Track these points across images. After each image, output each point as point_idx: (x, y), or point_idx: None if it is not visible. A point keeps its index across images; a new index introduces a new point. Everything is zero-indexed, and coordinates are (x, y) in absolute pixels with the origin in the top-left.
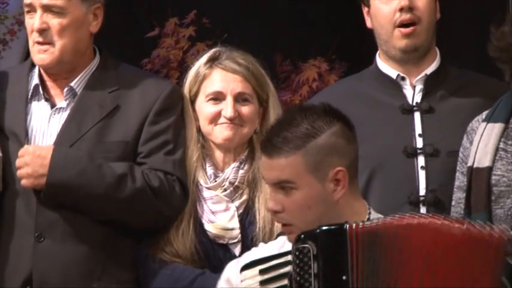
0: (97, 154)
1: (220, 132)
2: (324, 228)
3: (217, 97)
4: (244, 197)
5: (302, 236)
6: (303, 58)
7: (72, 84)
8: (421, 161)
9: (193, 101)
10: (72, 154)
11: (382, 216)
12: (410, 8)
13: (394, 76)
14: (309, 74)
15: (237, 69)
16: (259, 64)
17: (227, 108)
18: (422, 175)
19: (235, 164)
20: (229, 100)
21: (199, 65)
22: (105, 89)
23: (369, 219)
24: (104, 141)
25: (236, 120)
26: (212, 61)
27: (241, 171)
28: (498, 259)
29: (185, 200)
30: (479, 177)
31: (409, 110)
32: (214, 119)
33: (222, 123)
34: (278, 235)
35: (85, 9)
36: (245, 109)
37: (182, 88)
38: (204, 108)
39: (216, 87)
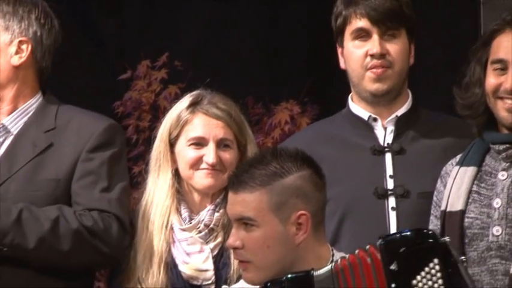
0: (26, 192)
1: (200, 179)
2: (290, 276)
3: (199, 142)
4: (219, 239)
5: (269, 284)
6: (275, 101)
7: (4, 121)
8: (391, 202)
9: (172, 144)
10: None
11: (344, 254)
12: (382, 54)
13: (365, 117)
14: (281, 116)
15: (219, 114)
16: (239, 109)
17: (209, 154)
18: (393, 216)
19: (210, 207)
20: (211, 146)
21: (181, 108)
22: (42, 128)
23: (332, 261)
24: (35, 179)
25: (217, 166)
26: (194, 105)
27: (216, 214)
28: None
29: (125, 237)
30: (453, 221)
31: (380, 151)
32: (196, 164)
33: (203, 168)
34: None
35: (8, 40)
36: (226, 155)
37: (160, 130)
38: (185, 152)
39: (199, 133)
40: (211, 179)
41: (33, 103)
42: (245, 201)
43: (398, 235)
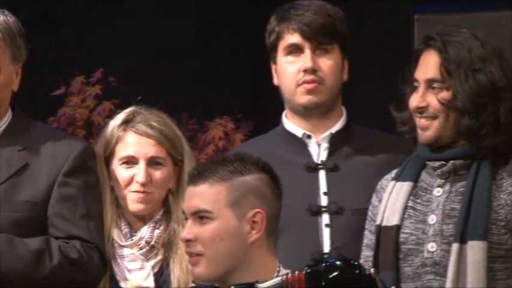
0: (3, 213)
1: (132, 203)
2: (233, 287)
3: (130, 161)
4: (159, 257)
5: None
6: (209, 117)
7: None
8: (325, 219)
9: (107, 161)
10: None
11: (289, 271)
12: (313, 70)
13: (299, 134)
14: (215, 132)
15: (149, 132)
16: (175, 124)
17: (139, 173)
18: (326, 233)
19: (150, 224)
20: (141, 165)
21: (113, 126)
22: (15, 147)
23: (277, 276)
24: (11, 200)
25: (148, 187)
26: (126, 123)
27: (157, 231)
28: None
29: (103, 268)
30: (388, 236)
31: (314, 168)
32: (128, 184)
33: (134, 191)
34: None
35: (12, 68)
36: (158, 173)
37: (96, 147)
38: (118, 171)
39: (129, 152)
40: (141, 204)
41: (6, 120)
42: (204, 194)
43: (324, 264)
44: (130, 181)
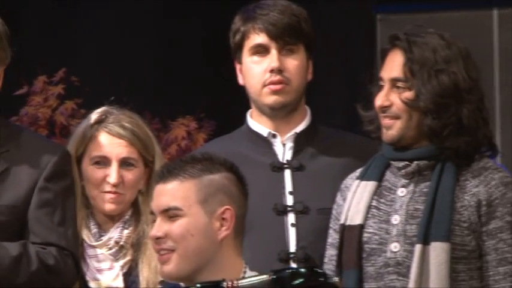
0: None
1: (103, 203)
2: (199, 285)
3: (102, 161)
4: (128, 257)
5: None
6: (171, 116)
7: None
8: (291, 218)
9: (78, 161)
10: None
11: (257, 273)
12: (280, 70)
13: (264, 134)
14: (178, 132)
15: (122, 133)
16: (146, 125)
17: (112, 174)
18: (292, 232)
19: (119, 224)
20: (114, 165)
21: (86, 125)
22: None
23: (244, 277)
24: None
25: (119, 187)
26: (99, 123)
27: (126, 231)
28: None
29: (76, 275)
30: (351, 235)
31: (279, 167)
32: (99, 185)
33: (106, 192)
34: None
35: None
36: (129, 174)
37: (68, 146)
38: (90, 172)
39: (101, 152)
40: (112, 204)
41: None
42: (174, 191)
43: (289, 271)
44: (102, 181)
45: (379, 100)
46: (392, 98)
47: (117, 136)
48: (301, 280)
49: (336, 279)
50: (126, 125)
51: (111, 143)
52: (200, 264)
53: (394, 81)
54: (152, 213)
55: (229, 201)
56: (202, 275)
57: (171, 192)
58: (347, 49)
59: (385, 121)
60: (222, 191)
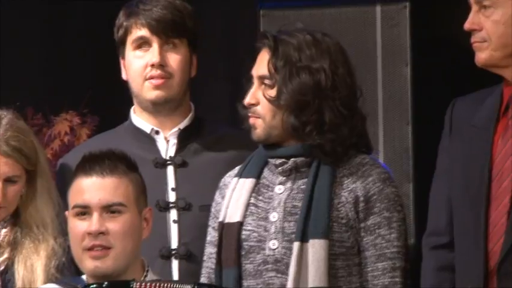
0: None
1: None
2: (107, 283)
3: None
4: (5, 255)
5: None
6: (54, 112)
7: None
8: (173, 214)
9: None
10: None
11: (158, 278)
12: (161, 65)
13: (148, 130)
14: (61, 127)
15: (8, 153)
16: (32, 134)
17: None
18: (174, 229)
19: None
20: None
21: None
22: None
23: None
24: None
25: (2, 202)
26: None
27: (3, 230)
28: None
29: None
30: (230, 232)
31: (162, 164)
32: None
33: None
34: None
35: None
36: (13, 191)
37: None
38: None
39: None
40: None
41: None
42: (114, 185)
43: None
44: None
45: (247, 98)
46: (258, 96)
47: (3, 155)
48: None
49: None
50: (13, 143)
51: None
52: (130, 262)
53: (261, 79)
54: (83, 206)
55: (145, 201)
56: (127, 274)
57: (111, 187)
58: (231, 45)
59: (251, 120)
60: (144, 191)
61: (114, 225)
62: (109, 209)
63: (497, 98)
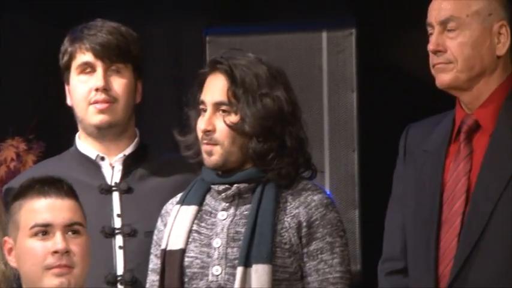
0: None
1: None
2: None
3: None
4: None
5: None
6: (0, 138)
7: None
8: (119, 240)
9: None
10: None
11: None
12: (105, 89)
13: (93, 156)
14: (7, 154)
15: None
16: None
17: None
18: (120, 255)
19: None
20: None
21: None
22: None
23: None
24: None
25: None
26: None
27: None
28: None
29: None
30: (173, 260)
31: (107, 190)
32: None
33: None
34: None
35: None
36: None
37: None
38: None
39: None
40: None
41: None
42: (74, 208)
43: None
44: None
45: (203, 124)
46: (215, 123)
47: None
48: None
49: None
50: None
51: None
52: (82, 286)
53: (217, 105)
54: (44, 225)
55: None
56: None
57: (71, 207)
58: (179, 71)
59: (207, 147)
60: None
61: (76, 246)
62: (71, 228)
63: (449, 122)
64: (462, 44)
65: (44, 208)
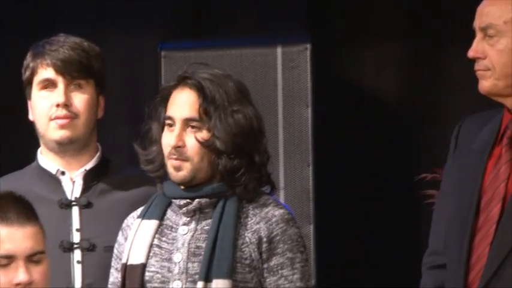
0: None
1: None
2: None
3: None
4: None
5: None
6: None
7: None
8: (77, 255)
9: None
10: None
11: None
12: (66, 105)
13: (53, 171)
14: None
15: None
16: None
17: None
18: (78, 269)
19: None
20: None
21: None
22: None
23: None
24: None
25: None
26: None
27: None
28: None
29: None
30: (133, 274)
31: (67, 204)
32: None
33: None
34: None
35: None
36: None
37: None
38: None
39: None
40: None
41: None
42: (35, 234)
43: None
44: None
45: (173, 140)
46: (185, 139)
47: None
48: None
49: None
50: None
51: None
52: None
53: (187, 121)
54: (6, 257)
55: None
56: None
57: (32, 235)
58: (135, 86)
59: (176, 162)
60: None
61: (38, 274)
62: (33, 258)
63: (497, 123)
64: (500, 52)
65: (4, 238)
